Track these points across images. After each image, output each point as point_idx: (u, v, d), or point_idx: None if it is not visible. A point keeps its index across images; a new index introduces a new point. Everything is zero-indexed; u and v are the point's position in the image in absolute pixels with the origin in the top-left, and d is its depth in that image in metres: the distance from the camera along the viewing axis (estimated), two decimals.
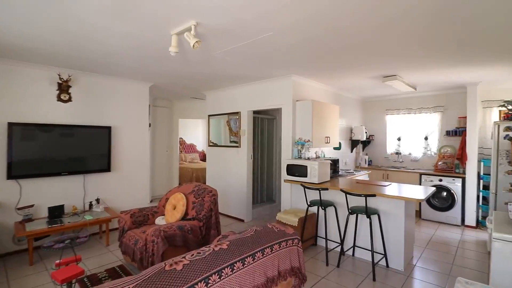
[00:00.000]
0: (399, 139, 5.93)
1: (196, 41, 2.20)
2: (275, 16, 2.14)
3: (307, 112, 4.03)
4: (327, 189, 3.24)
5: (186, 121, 9.89)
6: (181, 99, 6.66)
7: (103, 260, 3.30)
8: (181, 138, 9.90)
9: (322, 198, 3.53)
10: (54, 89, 3.77)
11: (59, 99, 3.81)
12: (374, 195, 2.89)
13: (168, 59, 3.31)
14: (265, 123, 5.50)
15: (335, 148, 5.02)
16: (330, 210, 3.62)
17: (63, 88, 3.83)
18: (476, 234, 4.32)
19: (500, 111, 4.57)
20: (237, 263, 1.38)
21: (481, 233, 4.34)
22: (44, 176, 3.64)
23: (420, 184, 5.11)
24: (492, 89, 4.80)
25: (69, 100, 3.89)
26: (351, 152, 5.90)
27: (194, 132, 10.33)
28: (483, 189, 4.65)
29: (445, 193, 4.87)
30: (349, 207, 3.16)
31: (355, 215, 3.21)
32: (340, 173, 4.56)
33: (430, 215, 4.98)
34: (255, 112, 5.06)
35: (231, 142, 5.07)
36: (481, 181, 4.64)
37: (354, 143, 5.86)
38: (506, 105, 3.49)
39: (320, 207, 3.43)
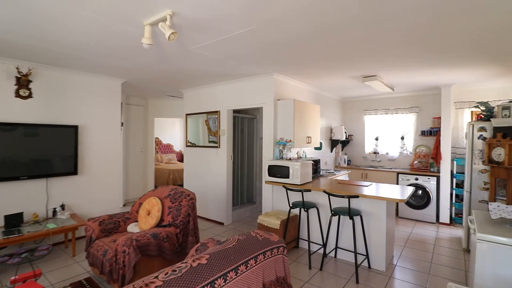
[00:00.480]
0: (376, 139, 6.03)
1: (172, 33, 2.02)
2: (257, 9, 2.00)
3: (288, 111, 3.93)
4: (309, 190, 3.17)
5: (163, 120, 9.52)
6: (157, 97, 6.34)
7: (68, 273, 3.00)
8: (157, 138, 9.51)
9: (304, 200, 3.46)
10: (11, 84, 3.38)
11: (18, 95, 3.43)
12: (357, 196, 2.84)
13: (142, 53, 3.07)
14: (246, 122, 5.36)
15: (316, 148, 4.99)
16: (313, 212, 3.56)
17: (22, 83, 3.45)
18: (450, 231, 4.46)
19: (472, 112, 4.76)
20: (219, 279, 1.23)
21: (454, 230, 4.48)
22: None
23: (397, 183, 5.21)
24: (464, 91, 4.99)
25: (30, 96, 3.51)
26: (331, 152, 5.91)
27: (171, 131, 9.97)
28: (456, 187, 4.82)
29: (420, 192, 5.00)
30: (332, 208, 3.10)
31: (337, 216, 3.16)
32: (321, 173, 4.52)
33: (407, 213, 5.09)
34: (235, 111, 4.90)
35: (210, 142, 4.88)
36: (454, 179, 4.82)
37: (334, 143, 5.88)
38: (479, 106, 3.61)
39: (302, 209, 3.35)
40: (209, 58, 3.24)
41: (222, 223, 4.67)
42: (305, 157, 4.26)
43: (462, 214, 4.81)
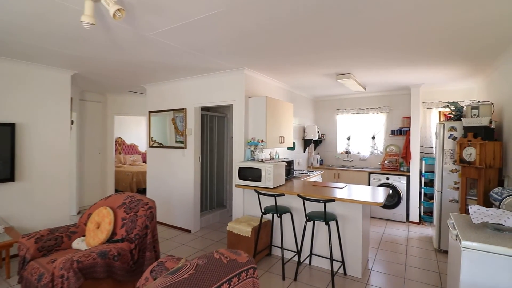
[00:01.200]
0: (348, 138, 6.00)
1: (118, 9, 1.65)
2: None
3: (260, 109, 3.67)
4: (283, 194, 2.93)
5: (126, 119, 8.83)
6: (117, 92, 5.77)
7: None
8: (119, 138, 8.81)
9: (277, 204, 3.22)
10: None
11: None
12: (333, 200, 2.65)
13: (88, 38, 2.63)
14: (215, 121, 5.02)
15: (289, 149, 4.79)
16: (286, 217, 3.33)
17: None
18: (420, 229, 4.49)
19: (440, 112, 4.84)
20: None
21: (424, 229, 4.52)
22: None
23: (369, 183, 5.19)
24: (432, 91, 5.08)
25: None
26: (304, 151, 5.77)
27: (136, 131, 9.28)
28: (424, 186, 4.89)
29: (391, 191, 5.01)
30: (307, 214, 2.89)
31: (312, 222, 2.96)
32: (294, 174, 4.32)
33: (379, 213, 5.08)
34: (203, 108, 4.55)
35: (177, 142, 4.47)
36: (423, 178, 4.88)
37: (307, 143, 5.74)
38: (449, 106, 3.62)
39: (275, 215, 3.10)
40: (171, 48, 2.87)
41: (189, 231, 4.29)
42: (278, 158, 4.04)
43: (430, 212, 4.90)
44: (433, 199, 4.84)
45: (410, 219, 4.85)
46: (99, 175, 5.87)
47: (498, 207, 2.38)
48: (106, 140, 5.98)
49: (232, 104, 3.84)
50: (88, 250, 2.19)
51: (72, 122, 5.03)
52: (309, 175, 4.42)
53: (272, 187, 3.21)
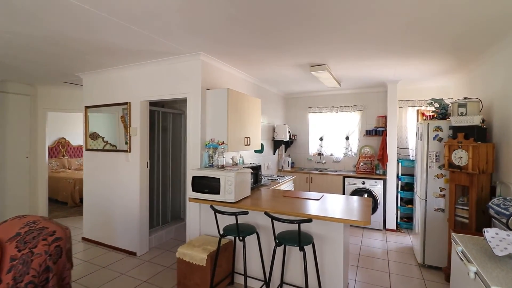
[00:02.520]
0: (321, 139, 5.54)
1: None
2: None
3: (221, 104, 3.01)
4: (246, 212, 2.29)
5: (71, 117, 7.63)
6: (50, 83, 4.74)
7: None
8: (63, 138, 7.61)
9: (241, 223, 2.58)
10: None
11: None
12: (310, 220, 2.07)
13: None
14: (170, 119, 4.24)
15: (256, 151, 4.17)
16: (252, 237, 2.71)
17: None
18: (398, 238, 4.12)
19: (418, 110, 4.53)
20: None
21: (402, 238, 4.16)
22: None
23: (343, 188, 4.76)
24: (408, 89, 4.77)
25: None
26: (274, 154, 5.20)
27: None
28: (401, 190, 4.56)
29: (366, 195, 4.62)
30: (276, 235, 2.28)
31: (283, 245, 2.36)
32: (262, 182, 3.71)
33: None
34: (154, 103, 3.77)
35: (126, 144, 3.61)
36: (399, 182, 4.55)
37: (276, 144, 5.17)
38: (433, 103, 3.26)
39: (237, 238, 2.45)
40: (93, 16, 2.10)
41: (134, 253, 3.49)
42: (243, 162, 3.40)
43: (407, 218, 4.58)
44: (410, 204, 4.52)
45: (387, 226, 4.48)
46: (27, 185, 4.80)
47: (507, 224, 1.95)
48: (36, 141, 4.91)
49: (186, 97, 3.12)
50: None
51: None
52: (279, 182, 3.83)
53: (233, 201, 2.56)
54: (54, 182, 6.20)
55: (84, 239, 4.03)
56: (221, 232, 2.45)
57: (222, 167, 2.90)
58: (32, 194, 4.89)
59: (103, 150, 3.81)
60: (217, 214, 2.41)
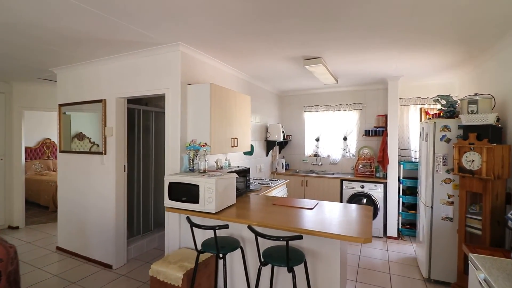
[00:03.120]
0: (317, 139, 5.22)
1: None
2: None
3: (203, 101, 2.68)
4: (227, 226, 1.97)
5: (55, 116, 7.26)
6: (25, 80, 4.39)
7: None
8: (48, 139, 7.26)
9: (222, 236, 2.26)
10: None
11: None
12: (300, 237, 1.75)
13: None
14: (152, 118, 3.91)
15: (246, 153, 3.84)
16: (236, 253, 2.38)
17: None
18: (400, 247, 3.81)
19: (421, 109, 4.22)
20: None
21: (404, 246, 3.85)
22: None
23: (341, 191, 4.44)
24: (409, 86, 4.46)
25: None
26: (267, 155, 4.87)
27: None
28: (402, 194, 4.25)
29: (365, 200, 4.31)
30: (262, 252, 1.96)
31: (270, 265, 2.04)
32: (252, 187, 3.39)
33: None
34: (133, 101, 3.44)
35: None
36: (401, 185, 4.24)
37: (270, 145, 4.85)
38: (439, 100, 2.94)
39: (217, 255, 2.12)
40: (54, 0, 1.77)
41: (110, 266, 3.16)
42: (229, 166, 3.07)
43: (409, 225, 4.27)
44: (412, 209, 4.21)
45: (388, 234, 4.17)
46: (1, 189, 4.46)
47: None
48: (11, 142, 4.56)
49: (165, 93, 2.79)
50: None
51: None
52: (271, 187, 3.51)
53: (214, 211, 2.23)
54: (35, 185, 5.86)
55: (58, 248, 3.69)
56: (199, 248, 2.13)
57: (204, 171, 2.57)
58: (8, 198, 4.55)
59: (76, 152, 3.47)
60: (194, 228, 2.08)
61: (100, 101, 3.21)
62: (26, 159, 6.26)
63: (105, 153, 3.19)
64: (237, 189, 2.74)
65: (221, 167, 2.82)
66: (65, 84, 3.60)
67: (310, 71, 3.43)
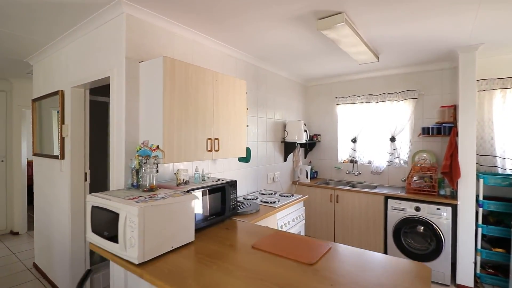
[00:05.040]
0: (354, 140, 3.99)
1: None
2: None
3: (155, 84, 1.81)
4: None
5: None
6: (24, 77, 4.09)
7: None
8: None
9: None
10: None
11: None
12: None
13: None
14: None
15: (241, 160, 2.86)
16: None
17: None
18: None
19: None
20: None
21: None
22: None
23: (385, 212, 3.19)
24: (495, 61, 3.00)
25: None
26: (285, 160, 3.82)
27: None
28: (482, 222, 2.83)
29: (422, 228, 3.00)
30: None
31: None
32: (244, 207, 2.39)
33: None
34: (97, 92, 2.74)
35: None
36: (480, 209, 2.83)
37: (288, 147, 3.79)
38: None
39: None
40: None
41: None
42: (203, 178, 2.13)
43: (493, 268, 2.83)
44: (499, 245, 2.78)
45: (459, 281, 2.80)
46: (2, 192, 4.24)
47: None
48: (12, 142, 4.32)
49: (109, 76, 1.99)
50: None
51: None
52: (275, 207, 2.48)
53: (136, 261, 1.33)
54: None
55: (34, 265, 3.21)
56: None
57: (151, 189, 1.69)
58: (9, 202, 4.32)
59: (42, 155, 2.91)
60: None
61: (56, 93, 2.57)
62: None
63: (62, 157, 2.54)
64: (210, 214, 1.81)
65: (185, 181, 1.91)
66: (38, 76, 3.09)
67: (331, 40, 2.31)
